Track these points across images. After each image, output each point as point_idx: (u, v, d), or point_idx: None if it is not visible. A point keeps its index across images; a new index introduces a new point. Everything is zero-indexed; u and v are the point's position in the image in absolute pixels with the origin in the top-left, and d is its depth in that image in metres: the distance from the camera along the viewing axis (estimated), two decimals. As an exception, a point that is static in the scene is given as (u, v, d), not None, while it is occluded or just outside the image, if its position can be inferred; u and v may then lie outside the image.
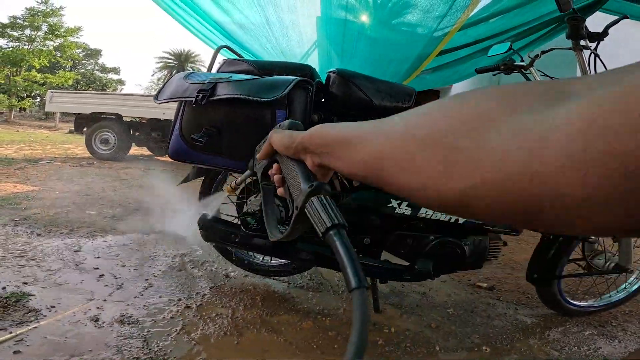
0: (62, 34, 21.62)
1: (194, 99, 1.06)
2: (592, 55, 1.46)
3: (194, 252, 2.07)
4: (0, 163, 4.53)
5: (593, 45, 1.46)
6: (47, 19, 21.06)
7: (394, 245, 1.38)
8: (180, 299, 1.50)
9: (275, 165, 0.41)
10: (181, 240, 2.27)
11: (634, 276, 1.68)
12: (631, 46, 4.08)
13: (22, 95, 21.12)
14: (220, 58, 1.71)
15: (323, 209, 0.30)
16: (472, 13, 2.39)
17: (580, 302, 1.65)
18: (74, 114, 6.75)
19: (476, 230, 1.37)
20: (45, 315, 1.26)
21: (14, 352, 1.03)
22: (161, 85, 1.22)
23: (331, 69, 1.34)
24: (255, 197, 1.59)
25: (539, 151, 0.16)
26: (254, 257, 1.77)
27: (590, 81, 0.17)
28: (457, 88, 8.58)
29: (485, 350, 1.35)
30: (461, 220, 1.34)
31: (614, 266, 1.50)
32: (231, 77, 1.14)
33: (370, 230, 1.37)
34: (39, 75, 19.85)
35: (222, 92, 1.06)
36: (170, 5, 2.81)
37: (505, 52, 1.63)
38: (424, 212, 1.31)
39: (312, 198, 0.32)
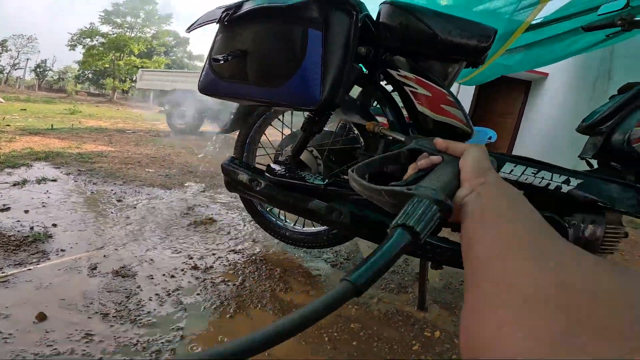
0: (156, 21, 24.05)
1: (218, 18, 0.94)
2: None
3: (227, 213, 1.91)
4: (94, 131, 5.08)
5: None
6: (144, 7, 23.58)
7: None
8: (192, 257, 1.32)
9: (435, 158, 0.45)
10: (221, 200, 2.15)
11: None
12: None
13: (124, 78, 24.19)
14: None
15: (423, 210, 0.33)
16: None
17: None
18: (159, 90, 7.35)
19: (588, 206, 0.91)
20: (49, 259, 1.18)
21: (-15, 291, 0.94)
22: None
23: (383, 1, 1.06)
24: (290, 148, 1.34)
25: None
26: (286, 221, 1.52)
27: None
28: (553, 78, 6.88)
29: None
30: (566, 188, 0.89)
31: None
32: None
33: None
34: (137, 60, 22.45)
35: (247, 7, 0.91)
36: None
37: (621, 10, 1.28)
38: (507, 172, 0.91)
39: (423, 198, 0.34)
